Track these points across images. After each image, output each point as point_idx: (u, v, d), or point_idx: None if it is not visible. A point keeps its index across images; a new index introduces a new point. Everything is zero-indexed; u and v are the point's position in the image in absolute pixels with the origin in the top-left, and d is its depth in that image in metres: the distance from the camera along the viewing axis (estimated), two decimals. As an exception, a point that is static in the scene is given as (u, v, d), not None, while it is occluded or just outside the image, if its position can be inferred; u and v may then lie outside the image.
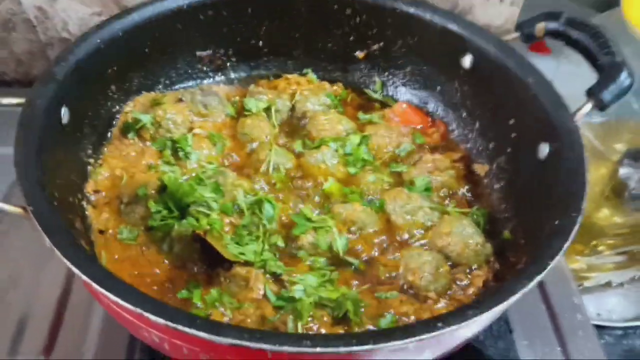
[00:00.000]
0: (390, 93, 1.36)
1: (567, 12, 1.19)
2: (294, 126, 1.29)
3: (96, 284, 0.77)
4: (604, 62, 1.06)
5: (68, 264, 0.79)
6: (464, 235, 1.05)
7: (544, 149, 1.05)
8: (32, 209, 0.83)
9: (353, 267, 1.04)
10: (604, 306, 1.63)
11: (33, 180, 0.87)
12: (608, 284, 1.64)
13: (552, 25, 1.16)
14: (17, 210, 0.85)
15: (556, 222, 0.89)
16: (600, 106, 1.04)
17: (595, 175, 1.53)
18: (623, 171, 1.48)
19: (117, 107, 1.21)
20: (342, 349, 0.72)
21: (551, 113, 1.05)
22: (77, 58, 1.08)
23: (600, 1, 1.93)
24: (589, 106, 1.05)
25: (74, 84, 1.07)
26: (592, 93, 1.04)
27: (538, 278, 0.81)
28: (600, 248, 1.59)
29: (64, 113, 1.04)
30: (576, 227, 0.87)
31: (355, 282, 1.02)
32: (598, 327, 1.52)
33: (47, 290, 1.16)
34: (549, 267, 0.82)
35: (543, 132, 1.06)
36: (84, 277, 0.77)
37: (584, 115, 1.05)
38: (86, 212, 1.08)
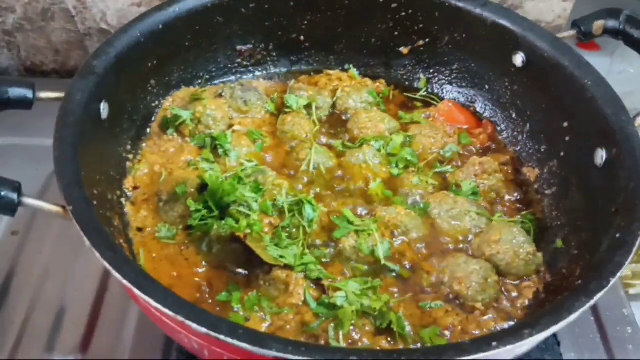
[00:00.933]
0: (436, 91, 1.31)
1: (627, 9, 1.13)
2: (335, 124, 1.25)
3: (137, 288, 0.74)
4: (667, 64, 1.00)
5: (108, 266, 0.77)
6: (514, 243, 1.00)
7: (601, 155, 1.00)
8: (71, 209, 0.81)
9: (395, 273, 1.00)
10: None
11: (72, 178, 0.85)
12: (654, 292, 1.58)
13: (612, 23, 1.11)
14: (57, 209, 0.83)
15: (617, 235, 0.84)
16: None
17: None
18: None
19: (157, 102, 1.19)
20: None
21: (610, 117, 1.00)
22: (117, 51, 1.06)
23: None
24: (650, 110, 1.00)
25: (114, 77, 1.05)
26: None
27: (598, 295, 0.77)
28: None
29: (103, 108, 1.02)
30: (638, 241, 0.82)
31: (397, 290, 0.98)
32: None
33: (83, 284, 1.14)
34: (610, 284, 0.78)
35: (600, 137, 1.01)
36: (124, 282, 0.75)
37: None
38: (124, 209, 1.06)
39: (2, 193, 0.81)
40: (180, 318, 0.72)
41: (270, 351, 0.70)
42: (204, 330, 0.71)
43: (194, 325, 0.72)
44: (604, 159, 0.99)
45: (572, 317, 0.75)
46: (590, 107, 1.03)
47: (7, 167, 1.11)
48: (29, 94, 0.96)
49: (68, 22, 1.48)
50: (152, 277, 0.78)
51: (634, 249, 0.82)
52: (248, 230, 0.97)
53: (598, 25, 1.11)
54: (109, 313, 1.11)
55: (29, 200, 0.83)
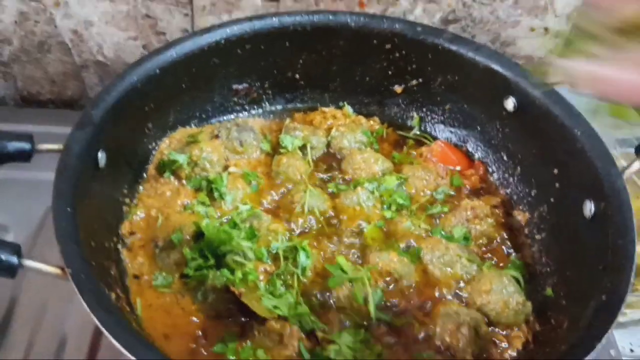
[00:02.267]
0: (428, 129, 1.33)
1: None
2: (330, 163, 1.27)
3: (130, 354, 0.76)
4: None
5: (103, 330, 0.78)
6: (505, 293, 1.02)
7: (589, 207, 1.02)
8: (70, 272, 0.83)
9: (388, 322, 1.02)
10: (637, 342, 1.60)
11: (71, 239, 0.87)
12: (642, 320, 1.60)
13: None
14: (56, 271, 0.85)
15: (603, 298, 0.86)
16: (651, 165, 1.00)
17: (634, 210, 1.49)
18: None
19: (153, 144, 1.20)
20: None
21: (599, 169, 1.02)
22: (114, 99, 1.07)
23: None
24: (637, 164, 1.02)
25: (112, 125, 1.06)
26: (642, 151, 1.01)
27: (584, 362, 0.79)
28: (638, 286, 1.55)
29: (101, 157, 1.04)
30: (624, 305, 0.84)
31: (390, 339, 1.00)
32: (631, 363, 1.49)
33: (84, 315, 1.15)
34: (596, 349, 0.80)
35: (589, 188, 1.03)
36: (117, 345, 0.77)
37: (633, 173, 1.02)
38: (121, 256, 1.07)
39: (2, 257, 0.82)
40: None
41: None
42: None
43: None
44: (592, 211, 1.01)
45: (558, 384, 0.77)
46: (580, 157, 1.05)
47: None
48: (27, 147, 0.97)
49: (65, 54, 1.49)
50: (145, 340, 0.80)
51: (619, 313, 0.84)
52: (242, 289, 0.99)
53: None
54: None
55: (29, 263, 0.84)
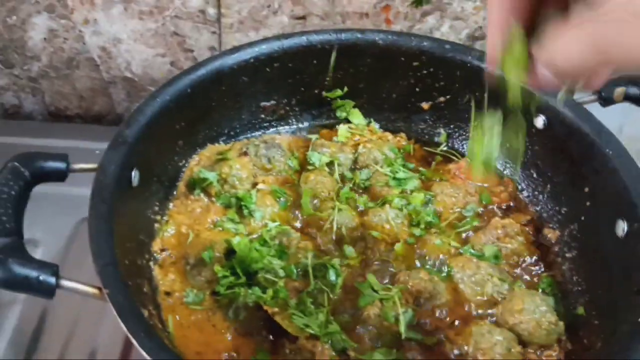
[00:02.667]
0: (456, 146, 1.33)
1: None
2: (357, 180, 1.27)
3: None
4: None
5: (144, 353, 0.79)
6: (537, 313, 1.02)
7: (622, 227, 1.01)
8: (107, 292, 0.84)
9: (420, 342, 1.02)
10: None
11: (107, 259, 0.88)
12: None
13: (633, 90, 1.12)
14: (94, 291, 0.86)
15: (638, 320, 0.86)
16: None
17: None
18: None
19: (183, 162, 1.21)
20: None
21: (631, 190, 1.01)
22: (147, 119, 1.08)
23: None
24: (672, 184, 1.01)
25: (144, 144, 1.07)
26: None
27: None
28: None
29: (135, 176, 1.05)
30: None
31: (421, 358, 1.00)
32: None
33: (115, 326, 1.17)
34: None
35: (621, 208, 1.02)
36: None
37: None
38: (153, 273, 1.08)
39: (41, 277, 0.83)
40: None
41: None
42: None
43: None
44: (625, 231, 1.01)
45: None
46: (611, 176, 1.05)
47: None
48: (63, 166, 0.99)
49: (93, 70, 1.51)
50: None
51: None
52: (275, 309, 0.99)
53: (619, 92, 1.12)
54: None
55: (66, 283, 0.85)
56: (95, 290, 0.86)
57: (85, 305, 1.18)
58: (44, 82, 1.54)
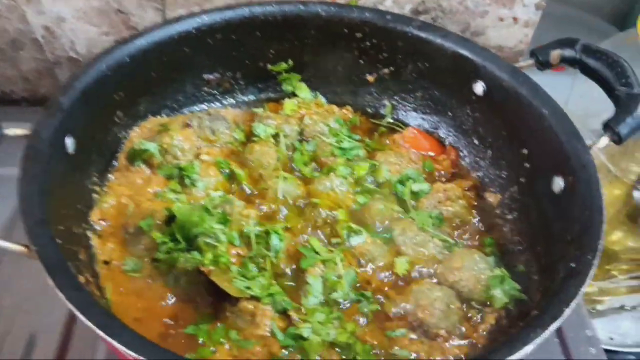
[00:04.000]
0: (401, 117, 1.34)
1: (583, 37, 1.17)
2: (302, 151, 1.27)
3: (101, 330, 0.75)
4: (621, 94, 1.04)
5: (72, 308, 0.77)
6: (476, 270, 1.03)
7: (558, 183, 1.03)
8: (36, 249, 0.82)
9: (361, 301, 1.02)
10: (617, 330, 1.60)
11: (37, 218, 0.86)
12: (621, 308, 1.61)
13: (568, 52, 1.14)
14: (21, 249, 0.84)
15: (572, 265, 0.87)
16: (617, 140, 1.01)
17: (609, 197, 1.50)
18: (637, 195, 1.46)
19: (124, 133, 1.20)
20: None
21: (566, 146, 1.03)
22: (83, 86, 1.06)
23: (620, 18, 1.91)
24: (605, 140, 1.03)
25: (80, 112, 1.05)
26: (609, 126, 1.02)
27: (553, 326, 0.79)
28: (614, 272, 1.56)
29: (70, 143, 1.03)
30: (592, 271, 0.85)
31: (363, 319, 1.00)
32: (611, 351, 1.49)
33: (52, 316, 1.14)
34: (564, 315, 0.80)
35: (557, 165, 1.04)
36: (89, 323, 0.76)
37: (600, 149, 1.03)
38: (91, 242, 1.06)
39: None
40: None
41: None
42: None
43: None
44: (561, 187, 1.02)
45: (527, 349, 0.77)
46: (548, 135, 1.06)
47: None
48: (-6, 131, 0.97)
49: (37, 51, 1.49)
50: (116, 318, 0.79)
51: (588, 278, 0.84)
52: (212, 267, 0.98)
53: (555, 54, 1.14)
54: (78, 344, 1.11)
55: (-8, 241, 0.83)
56: (23, 248, 0.84)
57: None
58: (-13, 65, 1.51)
